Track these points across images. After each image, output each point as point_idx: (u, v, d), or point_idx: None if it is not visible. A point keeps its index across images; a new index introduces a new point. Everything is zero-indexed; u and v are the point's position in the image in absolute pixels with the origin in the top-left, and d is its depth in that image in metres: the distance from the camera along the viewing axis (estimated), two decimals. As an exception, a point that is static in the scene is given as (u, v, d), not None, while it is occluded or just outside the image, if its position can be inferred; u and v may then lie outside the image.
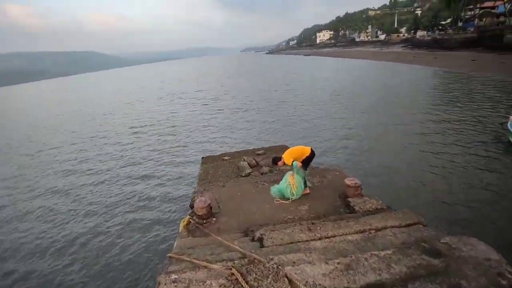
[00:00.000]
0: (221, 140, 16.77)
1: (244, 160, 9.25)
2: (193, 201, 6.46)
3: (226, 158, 10.32)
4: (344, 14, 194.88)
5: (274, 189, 5.72)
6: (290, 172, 5.59)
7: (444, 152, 11.82)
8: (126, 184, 12.02)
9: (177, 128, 20.76)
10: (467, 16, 69.14)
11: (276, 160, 5.83)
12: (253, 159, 9.37)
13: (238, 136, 17.31)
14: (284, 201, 5.40)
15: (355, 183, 5.04)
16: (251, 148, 12.02)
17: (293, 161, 5.47)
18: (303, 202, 5.31)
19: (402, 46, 77.53)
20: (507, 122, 12.34)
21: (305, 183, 5.59)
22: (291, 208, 5.16)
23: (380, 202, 4.70)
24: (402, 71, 39.99)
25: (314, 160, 6.01)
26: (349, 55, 77.70)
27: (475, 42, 52.27)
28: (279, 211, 5.10)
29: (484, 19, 62.10)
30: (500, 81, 25.56)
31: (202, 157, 11.20)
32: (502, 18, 58.04)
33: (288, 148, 5.78)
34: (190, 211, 5.52)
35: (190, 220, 5.07)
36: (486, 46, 48.41)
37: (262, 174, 8.23)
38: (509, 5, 52.01)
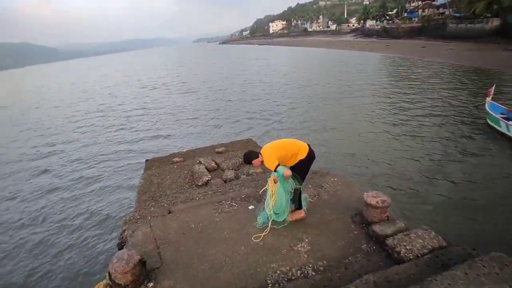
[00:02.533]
0: (172, 136, 14.15)
1: (201, 163, 7.02)
2: (122, 239, 4.14)
3: (176, 159, 7.97)
4: (296, 4, 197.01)
5: (262, 215, 3.59)
6: (275, 174, 3.39)
7: (422, 138, 10.71)
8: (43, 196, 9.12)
9: (119, 122, 17.60)
10: (411, 7, 72.39)
11: (250, 158, 3.53)
12: (212, 160, 7.18)
13: (192, 129, 14.81)
14: (264, 234, 3.33)
15: (383, 201, 3.11)
16: (209, 145, 9.75)
17: (278, 165, 3.28)
18: (298, 235, 3.28)
19: (353, 36, 79.12)
20: (484, 104, 11.60)
21: (299, 202, 3.54)
22: (282, 249, 3.10)
23: (433, 233, 2.81)
24: (359, 58, 39.78)
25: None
26: (303, 44, 77.35)
27: (420, 31, 54.78)
28: (263, 257, 3.02)
29: (426, 10, 65.25)
30: (453, 66, 25.94)
31: (146, 160, 8.70)
32: (441, 10, 61.54)
33: (273, 142, 3.54)
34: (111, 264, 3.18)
35: (107, 289, 2.80)
36: (430, 34, 50.76)
37: (225, 181, 6.09)
38: (448, -2, 54.95)
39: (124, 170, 10.66)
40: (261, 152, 3.46)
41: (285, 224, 3.44)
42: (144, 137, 14.31)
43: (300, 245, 3.12)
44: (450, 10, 54.05)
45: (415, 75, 23.25)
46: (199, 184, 6.10)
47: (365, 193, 3.28)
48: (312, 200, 3.96)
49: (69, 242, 6.89)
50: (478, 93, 15.81)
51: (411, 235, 2.78)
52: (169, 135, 14.25)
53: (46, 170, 11.53)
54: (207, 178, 6.21)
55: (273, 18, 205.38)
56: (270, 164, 3.30)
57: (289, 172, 3.32)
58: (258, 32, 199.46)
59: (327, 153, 10.15)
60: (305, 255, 2.96)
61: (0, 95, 42.45)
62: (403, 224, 3.07)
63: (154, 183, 6.57)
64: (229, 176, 6.21)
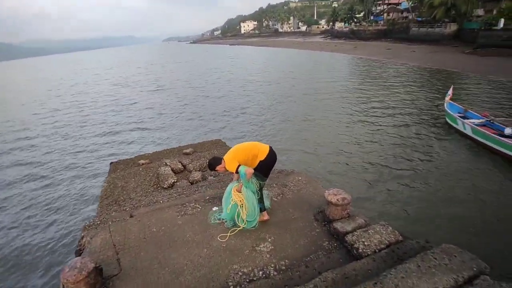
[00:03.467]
0: (138, 137, 13.70)
1: (167, 165, 6.85)
2: (80, 246, 3.92)
3: (142, 162, 7.74)
4: (267, 5, 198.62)
5: (215, 216, 3.63)
6: (235, 184, 3.52)
7: (384, 134, 11.18)
8: None
9: (83, 121, 16.80)
10: (377, 11, 75.29)
11: (214, 164, 3.51)
12: (179, 161, 7.03)
13: (160, 130, 14.43)
14: (228, 234, 3.31)
15: (343, 199, 3.17)
16: (176, 146, 9.56)
17: (238, 166, 3.32)
18: (261, 235, 3.27)
19: (322, 37, 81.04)
20: (443, 104, 12.28)
21: (261, 202, 3.53)
22: (245, 249, 3.07)
23: (390, 228, 2.90)
24: (329, 58, 40.74)
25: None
26: (274, 44, 78.08)
27: (386, 34, 57.21)
28: (225, 259, 2.97)
29: (391, 14, 68.15)
30: (416, 67, 27.27)
31: (111, 162, 8.38)
32: (405, 14, 64.60)
33: (234, 146, 3.60)
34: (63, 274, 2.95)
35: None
36: (395, 37, 53.17)
37: (192, 183, 5.99)
38: (410, 2, 57.64)
39: (87, 173, 10.18)
40: (224, 158, 3.46)
41: (255, 227, 3.43)
42: (110, 137, 13.79)
43: (263, 245, 3.11)
44: (413, 14, 56.86)
45: (380, 75, 24.21)
46: (164, 186, 5.95)
47: (326, 191, 3.33)
48: (276, 200, 3.97)
49: (22, 252, 6.46)
50: (438, 92, 16.73)
51: (369, 231, 2.86)
52: (136, 136, 13.82)
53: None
54: (172, 180, 6.08)
55: (244, 18, 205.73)
56: (231, 166, 3.34)
57: (251, 170, 3.34)
58: (230, 32, 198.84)
59: (292, 151, 10.30)
60: (268, 255, 2.95)
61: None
62: (363, 220, 3.15)
63: (118, 187, 6.33)
64: (195, 178, 6.11)
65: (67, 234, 6.95)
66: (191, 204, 4.01)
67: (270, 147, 3.51)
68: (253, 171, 3.37)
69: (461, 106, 11.74)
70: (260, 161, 3.39)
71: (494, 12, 36.56)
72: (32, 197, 8.89)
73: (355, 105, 15.67)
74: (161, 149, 9.47)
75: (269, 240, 3.18)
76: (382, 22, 66.35)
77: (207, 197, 4.16)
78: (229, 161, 3.37)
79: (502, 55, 27.07)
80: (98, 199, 6.27)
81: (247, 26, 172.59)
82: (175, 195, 5.00)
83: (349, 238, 2.83)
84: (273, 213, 3.65)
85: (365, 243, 2.70)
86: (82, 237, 4.00)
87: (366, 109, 14.70)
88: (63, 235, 6.92)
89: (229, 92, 22.00)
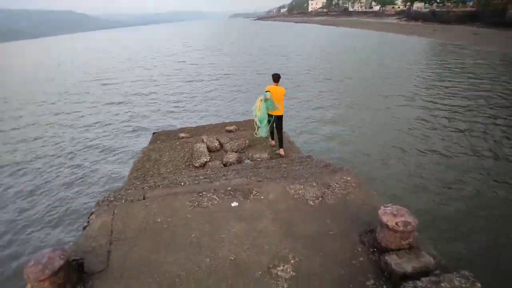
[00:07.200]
0: (192, 108, 13.67)
1: (203, 141, 6.31)
2: (87, 223, 3.55)
3: (182, 135, 7.42)
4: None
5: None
6: (261, 97, 5.45)
7: (459, 138, 9.32)
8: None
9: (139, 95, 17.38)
10: (467, -11, 65.55)
11: (279, 77, 5.51)
12: (217, 139, 6.44)
13: (211, 105, 14.15)
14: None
15: (406, 224, 2.19)
16: (221, 122, 9.05)
17: (268, 91, 5.32)
18: (282, 252, 2.45)
19: (397, 18, 73.72)
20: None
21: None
22: (257, 270, 2.30)
23: (478, 285, 1.87)
24: (403, 42, 36.72)
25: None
26: (343, 24, 73.18)
27: (474, 17, 49.60)
28: (229, 278, 2.24)
29: (484, -7, 58.80)
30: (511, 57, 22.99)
31: (153, 133, 8.34)
32: (502, -7, 55.15)
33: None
34: (27, 268, 2.51)
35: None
36: (486, 21, 45.78)
37: (224, 165, 5.35)
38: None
39: (136, 138, 10.45)
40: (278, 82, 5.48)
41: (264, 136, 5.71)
42: (161, 106, 14.08)
43: (282, 267, 2.30)
44: (513, -6, 48.15)
45: (461, 65, 20.84)
46: (196, 165, 5.45)
47: (381, 207, 2.37)
48: (313, 204, 3.10)
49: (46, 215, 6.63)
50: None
51: (442, 284, 1.86)
52: (191, 106, 13.91)
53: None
54: (205, 159, 5.54)
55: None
56: (268, 87, 5.45)
57: (268, 97, 5.26)
58: (296, 9, 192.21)
59: (347, 142, 9.12)
60: (285, 285, 2.15)
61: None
62: (431, 259, 2.15)
63: (151, 160, 6.06)
64: (230, 159, 5.46)
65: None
66: (208, 194, 3.33)
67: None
68: (269, 98, 5.26)
69: None
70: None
71: None
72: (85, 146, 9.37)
73: (430, 99, 13.56)
74: (205, 123, 9.11)
75: (292, 261, 2.36)
76: (471, 3, 57.63)
77: (229, 188, 3.44)
78: (271, 86, 5.45)
79: None
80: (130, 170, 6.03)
81: (315, 4, 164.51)
82: (201, 177, 4.41)
83: (408, 287, 1.89)
84: (306, 222, 2.81)
85: (434, 301, 1.75)
86: (92, 213, 3.63)
87: (440, 107, 12.51)
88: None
89: (293, 71, 21.01)
